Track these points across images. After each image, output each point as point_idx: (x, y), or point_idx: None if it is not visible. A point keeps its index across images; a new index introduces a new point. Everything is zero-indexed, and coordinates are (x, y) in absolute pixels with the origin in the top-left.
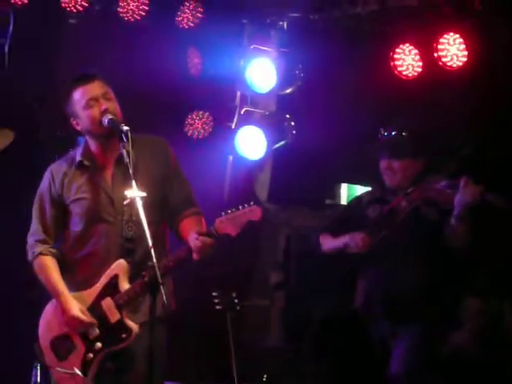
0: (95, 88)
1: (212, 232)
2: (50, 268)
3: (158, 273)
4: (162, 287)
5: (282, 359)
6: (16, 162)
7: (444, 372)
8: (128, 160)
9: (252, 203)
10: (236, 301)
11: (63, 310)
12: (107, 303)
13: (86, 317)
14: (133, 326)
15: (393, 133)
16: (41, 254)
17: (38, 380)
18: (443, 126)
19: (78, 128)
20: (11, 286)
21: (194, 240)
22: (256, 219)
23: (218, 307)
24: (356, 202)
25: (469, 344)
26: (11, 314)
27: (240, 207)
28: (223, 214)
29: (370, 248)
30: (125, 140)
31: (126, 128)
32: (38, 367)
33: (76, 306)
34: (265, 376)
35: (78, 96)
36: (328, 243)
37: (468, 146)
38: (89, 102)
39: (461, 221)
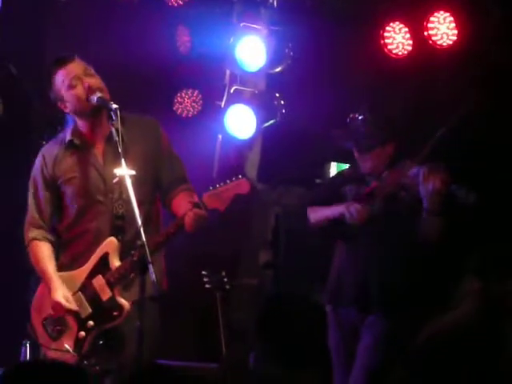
0: (75, 67)
1: (200, 207)
2: (42, 254)
3: (147, 251)
4: (150, 266)
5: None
6: (5, 144)
7: (414, 366)
8: (117, 138)
9: (240, 176)
10: (225, 280)
11: (51, 295)
12: (98, 281)
13: (69, 304)
14: (124, 303)
15: (360, 118)
16: (34, 239)
17: (28, 358)
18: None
19: (67, 111)
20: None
21: (187, 212)
22: (244, 192)
23: (207, 286)
24: (339, 178)
25: (461, 325)
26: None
27: (228, 181)
28: (211, 188)
29: (364, 221)
30: (114, 118)
31: (114, 106)
32: (27, 345)
33: (61, 293)
34: (252, 355)
35: (60, 78)
36: (318, 214)
37: (442, 129)
38: (72, 82)
39: (431, 214)
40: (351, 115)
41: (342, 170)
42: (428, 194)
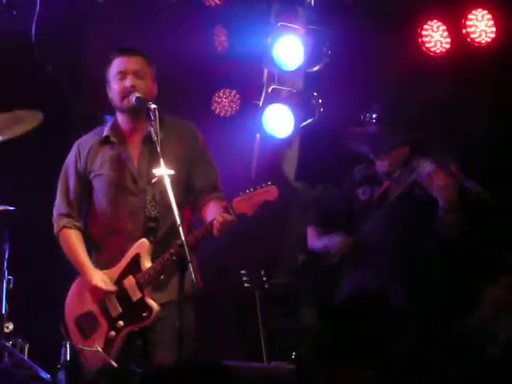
0: (130, 63)
1: (229, 211)
2: (73, 241)
3: (187, 251)
4: (190, 265)
5: (311, 337)
6: (45, 140)
7: None
8: (156, 138)
9: (269, 183)
10: (264, 279)
11: (87, 280)
12: (129, 282)
13: (106, 285)
14: (153, 305)
15: (373, 116)
16: (65, 227)
17: (68, 358)
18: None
19: (110, 95)
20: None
21: (216, 216)
22: (271, 199)
23: (246, 285)
24: (349, 180)
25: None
26: (43, 293)
27: (257, 187)
28: (241, 193)
29: (348, 250)
30: (152, 118)
31: (153, 106)
32: (67, 345)
33: (98, 276)
34: (294, 354)
35: (114, 66)
36: (312, 242)
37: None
38: (118, 75)
39: (447, 213)
40: (364, 115)
41: (353, 171)
42: (439, 191)
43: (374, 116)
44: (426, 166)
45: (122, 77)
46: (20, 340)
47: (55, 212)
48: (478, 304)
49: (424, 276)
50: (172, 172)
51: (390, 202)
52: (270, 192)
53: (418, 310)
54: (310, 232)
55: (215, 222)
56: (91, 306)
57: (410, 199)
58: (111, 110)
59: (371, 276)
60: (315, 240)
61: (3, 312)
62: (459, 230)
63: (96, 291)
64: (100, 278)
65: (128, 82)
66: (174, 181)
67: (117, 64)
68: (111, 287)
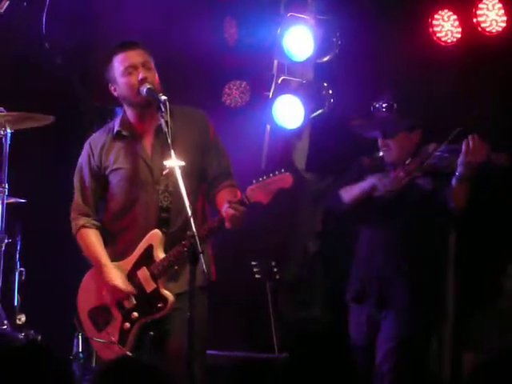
0: (136, 55)
1: (244, 200)
2: (92, 240)
3: (198, 242)
4: (201, 256)
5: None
6: (56, 133)
7: None
8: (166, 129)
9: (283, 170)
10: (275, 270)
11: (106, 280)
12: (143, 273)
13: (126, 286)
14: (168, 295)
15: (384, 105)
16: (83, 226)
17: (80, 350)
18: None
19: (116, 94)
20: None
21: (226, 208)
22: (286, 186)
23: (257, 276)
24: (357, 167)
25: None
26: (56, 285)
27: (271, 175)
28: (254, 182)
29: (396, 191)
30: (163, 110)
31: (164, 97)
32: (80, 337)
33: (118, 277)
34: (304, 344)
35: (118, 62)
36: (351, 192)
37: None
38: (127, 69)
39: (463, 181)
40: (374, 103)
41: (361, 160)
42: (471, 161)
43: (384, 105)
44: (440, 148)
45: (131, 71)
46: (32, 332)
47: (73, 212)
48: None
49: (428, 268)
50: (183, 163)
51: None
52: (285, 179)
53: (420, 305)
54: (344, 189)
55: (226, 215)
56: (104, 299)
57: (413, 189)
58: (121, 103)
59: (377, 268)
60: (355, 187)
61: (15, 304)
62: (466, 204)
63: (113, 291)
64: (120, 280)
65: (140, 75)
66: (187, 170)
67: (122, 59)
68: (131, 288)
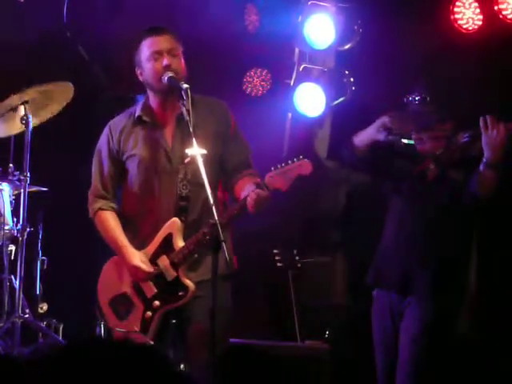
0: (163, 41)
1: (263, 188)
2: (110, 222)
3: (220, 230)
4: (224, 245)
5: (345, 316)
6: (77, 121)
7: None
8: (188, 118)
9: (301, 157)
10: (297, 258)
11: (126, 261)
12: (163, 261)
13: (146, 266)
14: (189, 283)
15: (416, 98)
16: (100, 209)
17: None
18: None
19: (141, 79)
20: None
21: (250, 193)
22: (306, 173)
23: (279, 265)
24: (387, 149)
25: None
26: (77, 274)
27: (289, 162)
28: (273, 169)
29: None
30: (184, 98)
31: (185, 86)
32: (102, 326)
33: (137, 257)
34: (327, 333)
35: (145, 46)
36: (361, 134)
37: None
38: (153, 55)
39: (490, 167)
40: (408, 96)
41: (392, 145)
42: (492, 141)
43: (417, 98)
44: (463, 135)
45: (157, 57)
46: (54, 320)
47: (90, 195)
48: None
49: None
50: (205, 152)
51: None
52: (304, 166)
53: (444, 292)
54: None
55: (249, 198)
56: (125, 288)
57: (444, 180)
58: (142, 90)
59: (402, 255)
60: (361, 133)
61: (38, 292)
62: (493, 191)
63: (133, 272)
64: (140, 259)
65: (165, 61)
66: (208, 159)
67: (149, 44)
68: (150, 268)
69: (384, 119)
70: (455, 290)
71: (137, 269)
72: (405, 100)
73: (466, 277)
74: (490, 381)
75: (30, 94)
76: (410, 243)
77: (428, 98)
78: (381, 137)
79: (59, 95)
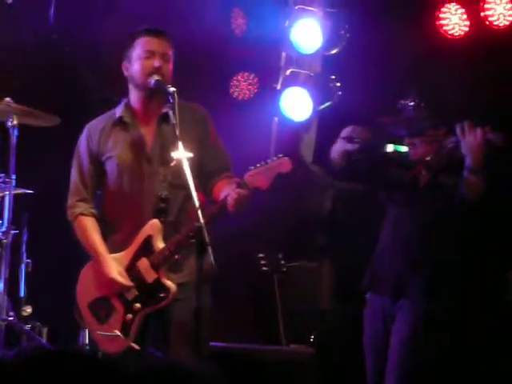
0: (158, 43)
1: (243, 187)
2: (90, 229)
3: (206, 234)
4: (209, 248)
5: (330, 321)
6: (63, 124)
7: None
8: (175, 122)
9: (280, 155)
10: (282, 262)
11: (102, 271)
12: (143, 264)
13: (123, 279)
14: (171, 285)
15: (410, 104)
16: (81, 214)
17: (86, 341)
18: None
19: (126, 73)
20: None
21: (230, 192)
22: (285, 171)
23: (264, 269)
24: (381, 155)
25: None
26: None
27: (269, 160)
28: (252, 167)
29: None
30: (171, 101)
31: (172, 89)
32: (86, 329)
33: (115, 269)
34: (312, 337)
35: (140, 44)
36: (333, 148)
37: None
38: (145, 53)
39: (472, 172)
40: (402, 102)
41: (386, 152)
42: (470, 146)
43: (411, 103)
44: (451, 139)
45: (149, 56)
46: (39, 323)
47: (70, 198)
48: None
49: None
50: (190, 155)
51: (420, 188)
52: (284, 164)
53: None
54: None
55: (229, 198)
56: (104, 291)
57: (437, 186)
58: (127, 94)
59: (396, 259)
60: (335, 144)
61: (22, 295)
62: (481, 194)
63: (110, 284)
64: (117, 271)
65: (156, 63)
66: (189, 164)
67: (144, 43)
68: (128, 281)
69: (347, 129)
70: (447, 296)
71: (113, 281)
72: (399, 105)
73: (459, 282)
74: (490, 381)
75: (16, 108)
76: (406, 248)
77: (422, 104)
78: (349, 147)
79: (45, 118)
